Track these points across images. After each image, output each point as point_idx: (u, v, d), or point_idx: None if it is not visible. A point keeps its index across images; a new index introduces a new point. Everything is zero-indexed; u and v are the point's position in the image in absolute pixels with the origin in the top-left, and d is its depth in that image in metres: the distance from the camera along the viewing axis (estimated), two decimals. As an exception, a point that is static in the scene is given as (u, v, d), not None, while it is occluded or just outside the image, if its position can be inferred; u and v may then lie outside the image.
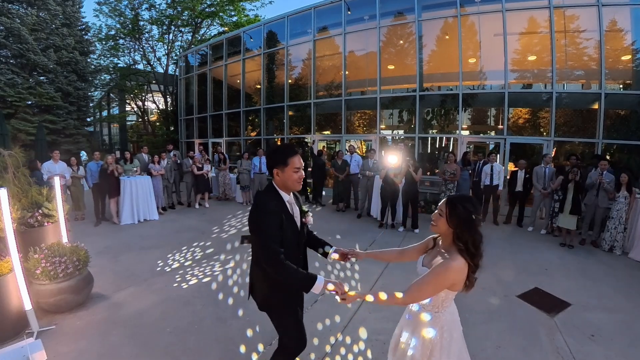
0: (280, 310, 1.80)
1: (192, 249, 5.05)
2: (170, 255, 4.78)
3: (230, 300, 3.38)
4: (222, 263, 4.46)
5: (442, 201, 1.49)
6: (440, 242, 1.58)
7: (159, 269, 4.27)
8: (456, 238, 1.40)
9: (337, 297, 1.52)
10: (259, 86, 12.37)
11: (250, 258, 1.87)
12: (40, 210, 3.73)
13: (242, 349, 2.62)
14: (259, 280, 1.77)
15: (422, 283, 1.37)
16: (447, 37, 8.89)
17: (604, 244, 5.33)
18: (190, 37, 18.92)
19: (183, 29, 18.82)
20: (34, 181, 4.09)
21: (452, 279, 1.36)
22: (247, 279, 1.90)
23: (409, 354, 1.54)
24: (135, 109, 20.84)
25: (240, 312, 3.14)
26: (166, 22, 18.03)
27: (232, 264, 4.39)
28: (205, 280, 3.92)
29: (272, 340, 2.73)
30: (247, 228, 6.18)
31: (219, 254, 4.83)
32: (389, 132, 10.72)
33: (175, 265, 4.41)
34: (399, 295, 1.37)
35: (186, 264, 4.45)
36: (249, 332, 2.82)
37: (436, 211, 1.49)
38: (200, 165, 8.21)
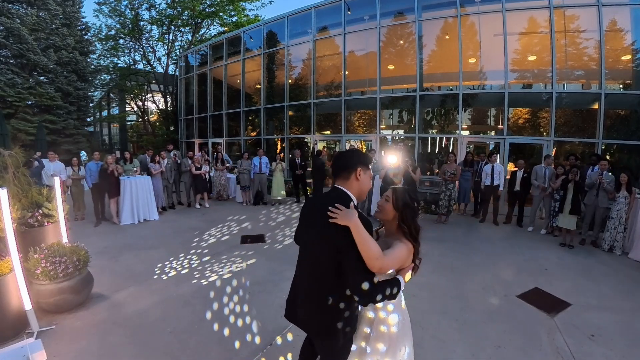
0: (345, 343, 1.54)
1: (192, 249, 5.05)
2: (170, 255, 4.78)
3: (231, 301, 3.38)
4: (222, 263, 4.46)
5: (388, 190, 1.62)
6: (383, 233, 1.69)
7: (159, 269, 4.27)
8: (401, 221, 1.54)
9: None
10: (259, 86, 12.37)
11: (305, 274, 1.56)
12: (40, 210, 3.73)
13: (242, 349, 2.62)
14: (325, 317, 1.47)
15: (389, 257, 1.43)
16: (447, 37, 8.89)
17: (604, 244, 5.33)
18: (190, 37, 18.93)
19: (183, 29, 18.83)
20: (31, 175, 4.09)
21: (405, 257, 1.49)
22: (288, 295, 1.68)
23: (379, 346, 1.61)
24: (135, 109, 20.85)
25: (241, 313, 3.14)
26: (166, 22, 18.03)
27: (232, 264, 4.39)
28: (205, 280, 3.92)
29: (272, 340, 2.73)
30: (247, 228, 6.19)
31: (219, 254, 4.83)
32: (389, 132, 10.72)
33: (175, 265, 4.41)
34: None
35: (186, 264, 4.45)
36: (249, 333, 2.82)
37: (381, 199, 1.60)
38: (199, 166, 8.21)
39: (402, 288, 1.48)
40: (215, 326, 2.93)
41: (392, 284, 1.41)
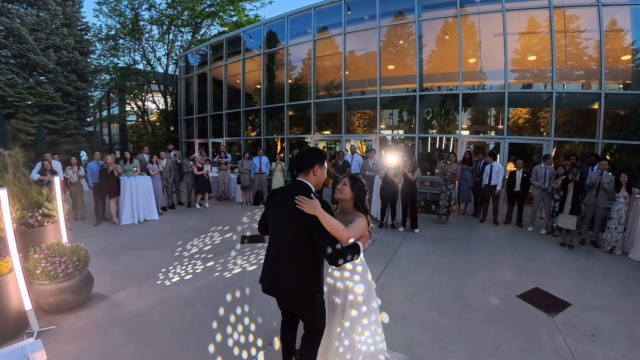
0: (320, 304, 1.91)
1: (192, 249, 5.05)
2: (170, 255, 4.78)
3: (231, 301, 3.38)
4: (222, 263, 4.46)
5: (345, 178, 2.09)
6: (339, 210, 2.12)
7: (159, 269, 4.27)
8: (357, 199, 2.01)
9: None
10: (259, 86, 12.37)
11: (267, 257, 1.92)
12: (40, 210, 3.73)
13: (242, 349, 2.62)
14: (302, 284, 1.83)
15: (353, 228, 1.83)
16: (447, 37, 8.89)
17: (605, 245, 5.33)
18: (190, 37, 18.93)
19: (183, 29, 18.83)
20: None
21: (364, 226, 1.91)
22: (275, 282, 1.89)
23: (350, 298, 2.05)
24: (135, 109, 20.84)
25: (241, 313, 3.14)
26: (166, 22, 18.03)
27: (232, 265, 4.39)
28: (205, 280, 3.92)
29: (272, 340, 2.73)
30: (247, 228, 6.19)
31: (219, 254, 4.83)
32: (389, 132, 10.72)
33: (175, 265, 4.41)
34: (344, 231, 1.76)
35: (186, 264, 4.45)
36: (249, 333, 2.82)
37: (340, 184, 2.05)
38: (201, 166, 8.21)
39: (362, 252, 1.91)
40: (215, 326, 2.93)
41: (353, 248, 1.79)
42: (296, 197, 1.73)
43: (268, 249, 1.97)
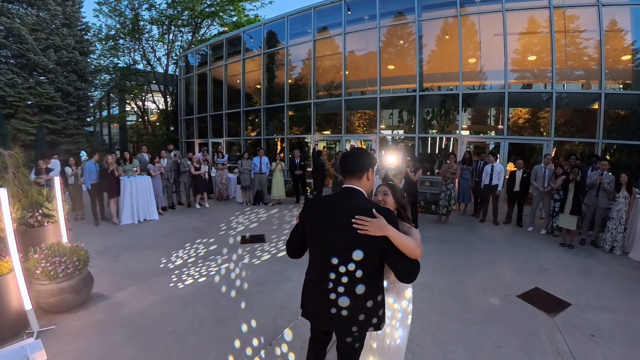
0: (365, 334, 1.64)
1: (192, 249, 5.05)
2: (170, 255, 4.78)
3: (231, 301, 3.38)
4: (222, 263, 4.46)
5: (383, 186, 1.90)
6: None
7: (159, 269, 4.27)
8: (400, 208, 1.87)
9: None
10: (259, 86, 12.37)
11: (326, 277, 1.55)
12: (40, 210, 3.72)
13: (242, 349, 2.62)
14: (360, 308, 1.54)
15: (419, 242, 1.60)
16: (447, 37, 8.89)
17: (605, 245, 5.33)
18: (190, 37, 18.92)
19: (183, 29, 18.83)
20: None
21: (419, 236, 1.69)
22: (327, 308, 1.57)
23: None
24: (135, 109, 20.84)
25: (240, 313, 3.14)
26: (166, 22, 18.03)
27: (232, 264, 4.39)
28: (205, 280, 3.92)
29: (272, 340, 2.73)
30: (247, 228, 6.19)
31: (219, 254, 4.83)
32: (389, 132, 10.72)
33: (176, 265, 4.41)
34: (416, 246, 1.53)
35: (186, 264, 4.45)
36: (249, 333, 2.82)
37: (380, 194, 1.87)
38: (198, 166, 8.21)
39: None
40: (215, 326, 2.93)
41: (418, 262, 1.55)
42: (356, 219, 1.44)
43: (311, 270, 1.68)
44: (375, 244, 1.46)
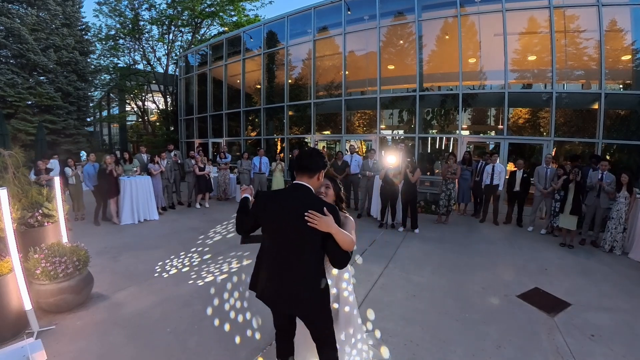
0: (329, 313, 1.86)
1: (192, 249, 5.05)
2: (170, 255, 4.78)
3: (231, 301, 3.38)
4: (222, 263, 4.46)
5: (326, 181, 2.03)
6: None
7: (159, 269, 4.27)
8: (338, 199, 2.07)
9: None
10: (259, 86, 12.37)
11: (277, 264, 1.74)
12: (40, 210, 3.72)
13: (242, 349, 2.62)
14: (315, 289, 1.73)
15: (352, 233, 1.83)
16: (447, 37, 8.89)
17: (605, 245, 5.33)
18: (190, 37, 18.91)
19: (183, 29, 18.80)
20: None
21: (354, 223, 1.96)
22: (285, 292, 1.75)
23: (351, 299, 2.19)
24: (135, 109, 20.83)
25: (241, 313, 3.14)
26: (166, 22, 18.00)
27: (232, 264, 4.39)
28: (205, 280, 3.92)
29: (272, 340, 2.73)
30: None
31: (219, 254, 4.83)
32: (389, 132, 10.72)
33: (175, 265, 4.41)
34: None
35: (186, 264, 4.45)
36: (249, 333, 2.82)
37: (323, 187, 2.02)
38: (202, 166, 8.21)
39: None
40: (215, 326, 2.93)
41: (349, 254, 1.79)
42: (308, 213, 1.64)
43: (266, 256, 1.82)
44: (320, 235, 1.67)
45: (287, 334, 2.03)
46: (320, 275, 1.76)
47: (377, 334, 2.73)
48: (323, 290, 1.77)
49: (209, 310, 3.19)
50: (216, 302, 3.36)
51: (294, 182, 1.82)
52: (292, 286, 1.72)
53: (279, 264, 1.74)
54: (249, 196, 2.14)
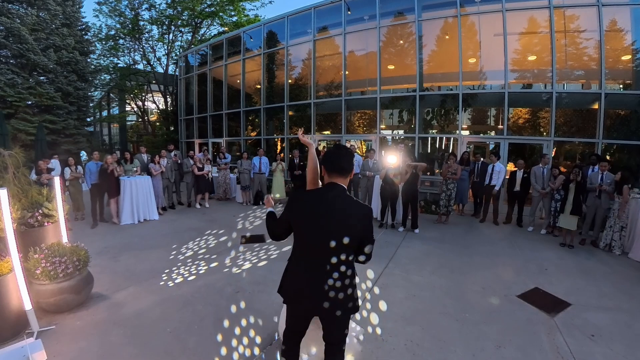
0: (349, 316, 1.88)
1: (192, 249, 5.05)
2: (170, 255, 4.78)
3: (231, 301, 3.38)
4: (222, 263, 4.46)
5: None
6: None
7: (159, 269, 4.27)
8: None
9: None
10: (259, 86, 12.37)
11: (315, 267, 1.71)
12: (40, 210, 3.72)
13: (242, 349, 2.62)
14: (348, 290, 1.74)
15: None
16: (447, 37, 8.89)
17: (600, 243, 5.36)
18: (190, 37, 18.92)
19: (183, 29, 18.81)
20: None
21: None
22: (325, 294, 1.70)
23: None
24: (135, 109, 20.84)
25: (241, 313, 3.14)
26: (166, 22, 18.02)
27: (232, 264, 4.39)
28: (205, 280, 3.92)
29: (272, 340, 2.73)
30: (247, 228, 6.19)
31: (219, 254, 4.83)
32: (389, 132, 10.72)
33: (176, 265, 4.41)
34: None
35: (186, 264, 4.45)
36: (249, 333, 2.82)
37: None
38: (201, 166, 8.21)
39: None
40: (215, 326, 2.93)
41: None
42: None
43: (300, 257, 1.78)
44: (357, 237, 1.69)
45: (300, 337, 2.01)
46: (354, 275, 1.77)
47: (378, 331, 2.73)
48: (354, 292, 1.78)
49: (209, 311, 3.19)
50: (216, 302, 3.36)
51: (328, 183, 1.78)
52: (326, 286, 1.69)
53: (315, 265, 1.71)
54: (273, 210, 2.07)
